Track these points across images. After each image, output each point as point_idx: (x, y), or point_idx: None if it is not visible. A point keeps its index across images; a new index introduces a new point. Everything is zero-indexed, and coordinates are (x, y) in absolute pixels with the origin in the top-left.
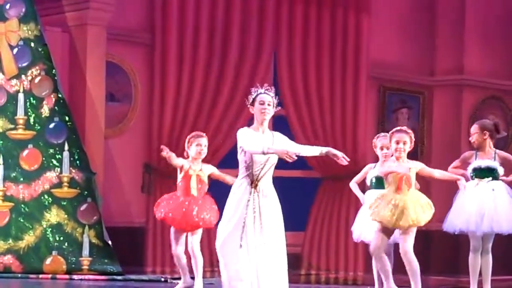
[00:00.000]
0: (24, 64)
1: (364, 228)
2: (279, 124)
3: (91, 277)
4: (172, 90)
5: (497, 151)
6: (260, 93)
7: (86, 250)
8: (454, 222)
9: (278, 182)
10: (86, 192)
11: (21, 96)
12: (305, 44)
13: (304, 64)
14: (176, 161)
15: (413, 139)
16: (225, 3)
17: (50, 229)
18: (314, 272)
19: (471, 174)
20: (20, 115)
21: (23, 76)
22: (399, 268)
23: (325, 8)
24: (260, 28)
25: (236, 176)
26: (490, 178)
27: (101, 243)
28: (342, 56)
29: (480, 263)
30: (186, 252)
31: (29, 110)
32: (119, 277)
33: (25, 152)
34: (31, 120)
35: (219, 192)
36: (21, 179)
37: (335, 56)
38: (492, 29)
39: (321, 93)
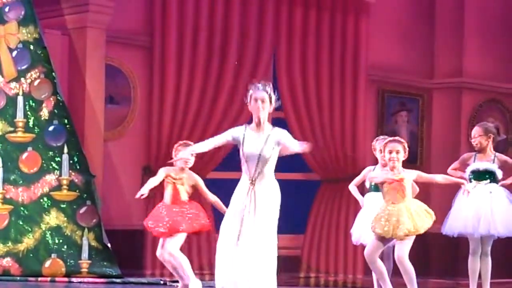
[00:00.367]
0: (24, 67)
1: (364, 231)
2: (278, 126)
3: (90, 280)
4: (171, 92)
5: (497, 154)
6: (255, 90)
7: (85, 253)
8: (453, 225)
9: (278, 184)
10: (85, 195)
11: (20, 99)
12: (305, 46)
13: (304, 66)
14: (156, 181)
15: (407, 148)
16: (225, 6)
17: (49, 232)
18: (314, 274)
19: (470, 176)
20: (20, 118)
21: (22, 79)
22: (398, 270)
23: (325, 11)
24: (259, 31)
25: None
26: (488, 181)
27: (101, 246)
28: (341, 59)
29: (480, 266)
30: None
31: (29, 113)
32: (118, 280)
33: (25, 155)
34: (31, 123)
35: (220, 193)
36: (21, 182)
37: (334, 59)
38: (491, 32)
39: (320, 95)
